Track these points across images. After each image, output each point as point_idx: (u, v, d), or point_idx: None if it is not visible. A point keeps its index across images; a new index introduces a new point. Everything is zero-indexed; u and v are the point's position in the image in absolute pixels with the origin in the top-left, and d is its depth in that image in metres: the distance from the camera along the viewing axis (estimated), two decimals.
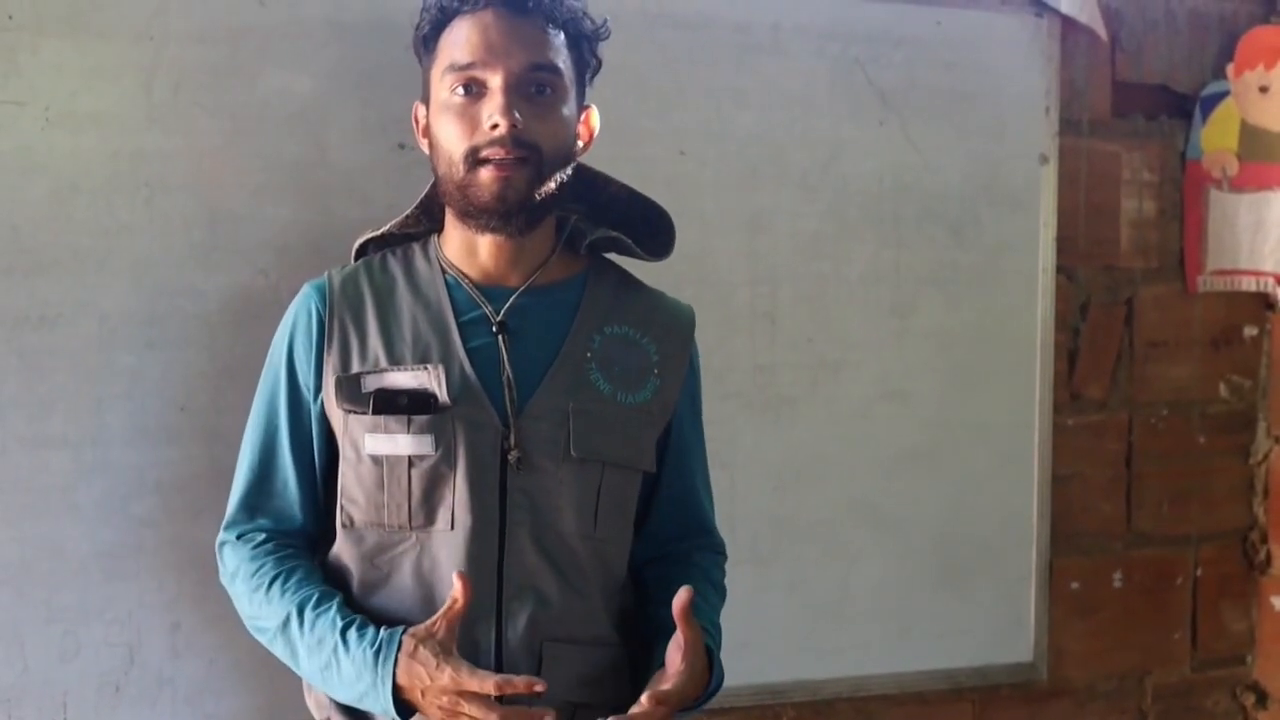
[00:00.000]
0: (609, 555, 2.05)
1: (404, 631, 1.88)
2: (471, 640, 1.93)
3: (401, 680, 1.85)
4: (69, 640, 2.31)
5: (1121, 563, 3.15)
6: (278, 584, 2.00)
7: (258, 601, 2.02)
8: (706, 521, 2.24)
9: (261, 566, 2.03)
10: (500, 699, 1.83)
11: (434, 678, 1.82)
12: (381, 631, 1.90)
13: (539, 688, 1.80)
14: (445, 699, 1.83)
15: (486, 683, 1.80)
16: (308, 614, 1.96)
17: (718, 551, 2.25)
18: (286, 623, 1.97)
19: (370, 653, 1.88)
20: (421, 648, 1.85)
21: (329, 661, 1.92)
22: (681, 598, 1.88)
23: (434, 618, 1.88)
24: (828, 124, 2.74)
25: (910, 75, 2.79)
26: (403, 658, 1.85)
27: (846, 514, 2.81)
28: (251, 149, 2.36)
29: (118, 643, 2.34)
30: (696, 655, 1.92)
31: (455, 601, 1.86)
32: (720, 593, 2.20)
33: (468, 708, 1.81)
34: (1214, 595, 3.26)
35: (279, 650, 2.02)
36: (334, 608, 1.95)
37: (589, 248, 2.13)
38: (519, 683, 1.80)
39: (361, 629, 1.91)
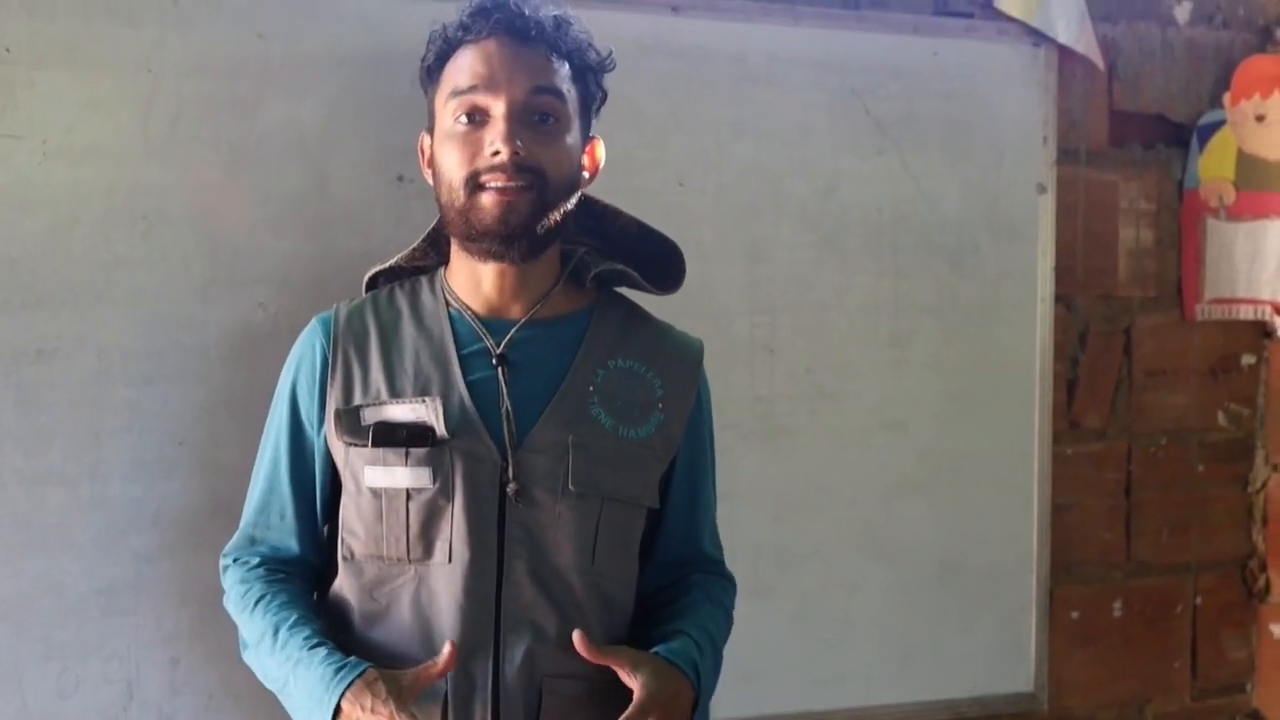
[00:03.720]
0: (608, 590, 2.03)
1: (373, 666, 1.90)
2: (468, 674, 1.93)
3: (346, 704, 1.86)
4: (67, 677, 2.30)
5: (1121, 592, 3.15)
6: (262, 604, 2.02)
7: (243, 621, 2.05)
8: (712, 554, 2.24)
9: (250, 588, 2.05)
10: None
11: (375, 711, 1.83)
12: (351, 658, 1.92)
13: None
14: None
15: None
16: (282, 632, 1.97)
17: (724, 577, 2.24)
18: (261, 638, 2.00)
19: (331, 669, 1.90)
20: (381, 682, 1.86)
21: (289, 677, 1.95)
22: (575, 641, 1.92)
23: (411, 669, 1.90)
24: (826, 154, 2.74)
25: (908, 105, 2.79)
26: (360, 683, 1.87)
27: (846, 544, 2.80)
28: (250, 181, 2.36)
29: (116, 679, 2.33)
30: (641, 670, 1.93)
31: (436, 666, 1.88)
32: (720, 608, 2.18)
33: None
34: (1214, 623, 3.26)
35: (254, 666, 2.05)
36: (309, 630, 1.97)
37: (596, 280, 2.13)
38: None
39: (332, 651, 1.93)
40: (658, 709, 1.91)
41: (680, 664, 1.98)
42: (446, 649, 1.88)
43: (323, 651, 1.93)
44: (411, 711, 1.83)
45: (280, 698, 2.01)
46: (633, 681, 1.92)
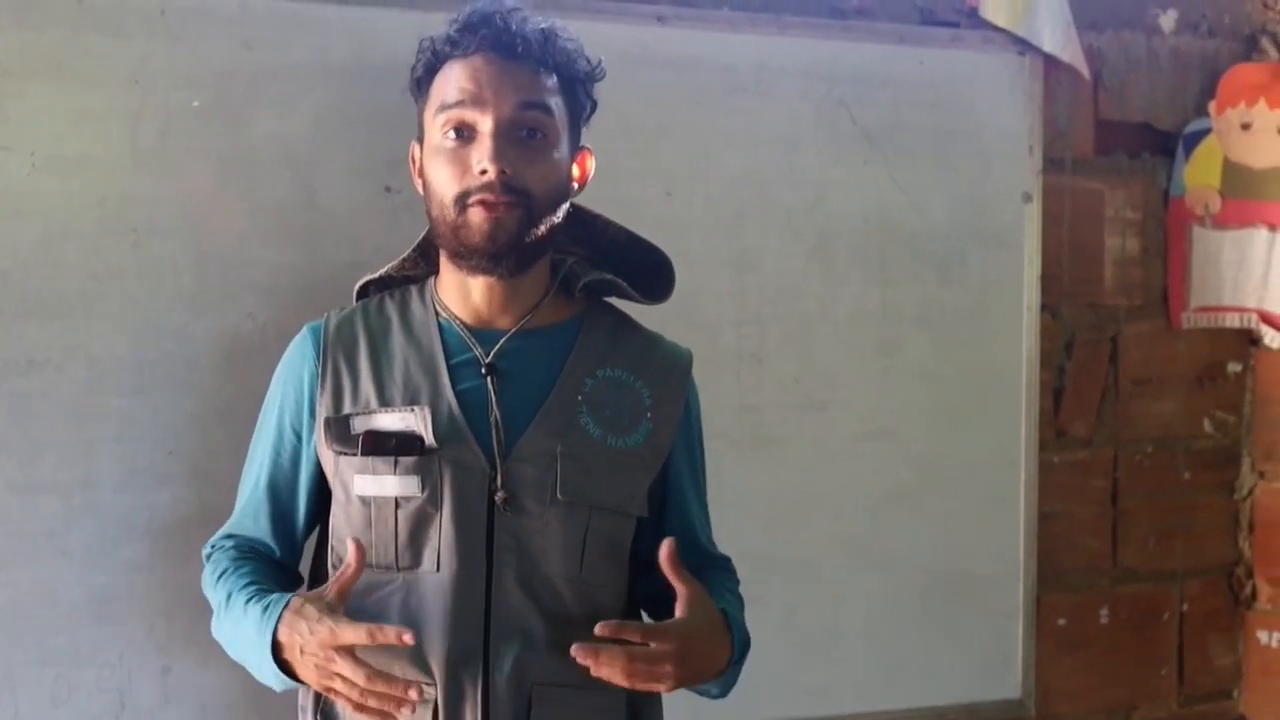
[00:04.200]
0: (597, 598, 2.03)
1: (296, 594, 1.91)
2: (458, 682, 1.93)
3: (283, 636, 1.87)
4: (60, 684, 2.30)
5: (1108, 599, 3.15)
6: (225, 575, 2.04)
7: (210, 595, 2.08)
8: (710, 550, 2.24)
9: (219, 565, 2.07)
10: None
11: (314, 631, 1.82)
12: (275, 593, 1.93)
13: (408, 638, 1.80)
14: (321, 654, 1.83)
15: (360, 631, 1.80)
16: (234, 595, 1.99)
17: (728, 570, 2.24)
18: (219, 607, 2.03)
19: (259, 610, 1.91)
20: (308, 605, 1.85)
21: (236, 635, 1.97)
22: (665, 549, 1.92)
23: (326, 584, 1.91)
24: (813, 164, 2.74)
25: (895, 115, 2.80)
26: (287, 613, 1.87)
27: (834, 552, 2.81)
28: (238, 192, 2.37)
29: (109, 687, 2.33)
30: (699, 605, 1.94)
31: (349, 568, 1.87)
32: (738, 599, 2.18)
33: (340, 665, 1.81)
34: (1200, 630, 3.27)
35: (218, 637, 2.06)
36: (254, 589, 1.98)
37: (585, 290, 2.13)
38: (390, 632, 1.80)
39: (264, 596, 1.94)
40: (678, 651, 1.90)
41: (734, 630, 2.02)
42: (351, 548, 1.87)
43: (254, 600, 1.94)
44: (349, 620, 1.82)
45: (244, 665, 2.01)
46: (681, 611, 1.92)
